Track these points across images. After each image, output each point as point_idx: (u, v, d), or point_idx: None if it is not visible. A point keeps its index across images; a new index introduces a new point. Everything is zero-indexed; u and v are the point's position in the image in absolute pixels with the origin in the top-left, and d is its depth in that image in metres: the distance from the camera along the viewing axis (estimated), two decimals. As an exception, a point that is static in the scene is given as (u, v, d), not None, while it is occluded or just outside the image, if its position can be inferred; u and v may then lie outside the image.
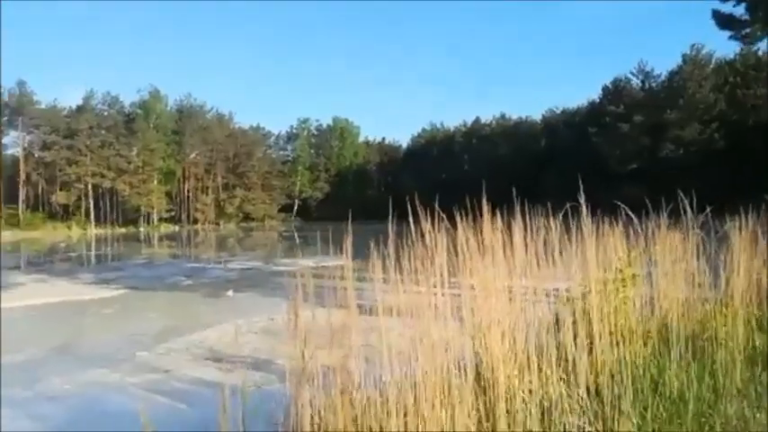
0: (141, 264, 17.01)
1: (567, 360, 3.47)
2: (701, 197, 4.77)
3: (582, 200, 3.97)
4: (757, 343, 4.44)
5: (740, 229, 5.60)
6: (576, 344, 3.47)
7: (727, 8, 9.19)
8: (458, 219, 2.96)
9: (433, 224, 2.81)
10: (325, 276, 2.59)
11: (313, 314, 2.57)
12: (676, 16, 60.98)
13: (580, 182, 3.53)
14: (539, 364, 3.16)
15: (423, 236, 2.80)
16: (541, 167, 43.15)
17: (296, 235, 26.98)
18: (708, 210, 5.62)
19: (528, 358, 3.11)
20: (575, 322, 3.74)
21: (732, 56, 34.87)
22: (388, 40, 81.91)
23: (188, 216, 54.05)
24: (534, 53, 74.12)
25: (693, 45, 35.77)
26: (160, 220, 52.69)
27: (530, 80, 75.40)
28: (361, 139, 61.44)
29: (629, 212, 4.90)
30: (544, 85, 74.63)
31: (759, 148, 30.84)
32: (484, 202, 3.14)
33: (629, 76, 38.92)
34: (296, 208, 59.13)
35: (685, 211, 5.32)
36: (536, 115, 49.67)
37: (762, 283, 5.54)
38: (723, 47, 50.87)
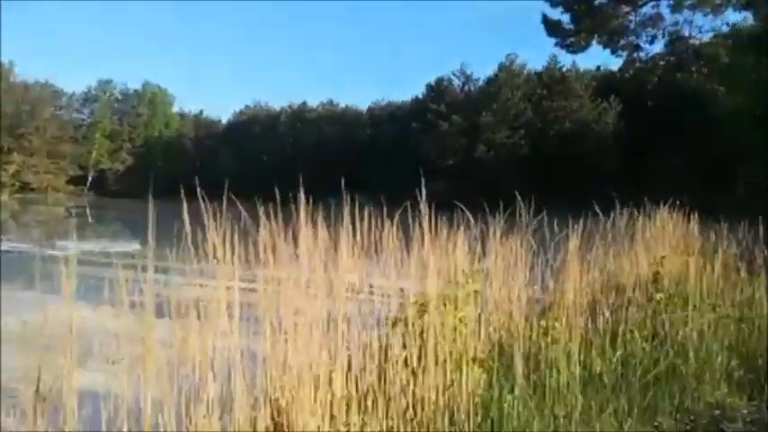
0: None
1: (391, 398, 2.80)
2: (508, 197, 4.80)
3: (422, 197, 3.48)
4: (596, 364, 4.14)
5: (568, 236, 5.38)
6: (403, 373, 2.79)
7: (555, 14, 9.47)
8: (272, 205, 2.70)
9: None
10: (111, 265, 2.20)
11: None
12: (509, 22, 65.48)
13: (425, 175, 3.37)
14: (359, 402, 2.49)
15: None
16: (366, 158, 43.76)
17: (87, 211, 23.83)
18: (543, 214, 5.31)
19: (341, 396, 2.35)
20: (405, 347, 3.05)
21: (540, 69, 38.17)
22: (217, 15, 77.30)
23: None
24: (363, 44, 75.01)
25: (508, 55, 38.61)
26: None
27: (358, 70, 76.24)
28: (176, 109, 56.98)
29: (468, 213, 4.41)
30: (372, 76, 76.00)
31: (556, 155, 34.48)
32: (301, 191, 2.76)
33: (452, 77, 40.88)
34: (90, 180, 52.87)
35: (520, 215, 4.92)
36: (362, 106, 50.27)
37: (595, 294, 5.38)
38: (535, 59, 56.02)
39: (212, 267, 2.21)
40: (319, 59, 75.46)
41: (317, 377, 2.24)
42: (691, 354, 4.82)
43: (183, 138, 54.45)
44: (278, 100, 68.49)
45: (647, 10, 9.08)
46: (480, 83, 40.14)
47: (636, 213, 6.94)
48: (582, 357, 4.20)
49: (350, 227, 2.84)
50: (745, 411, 4.50)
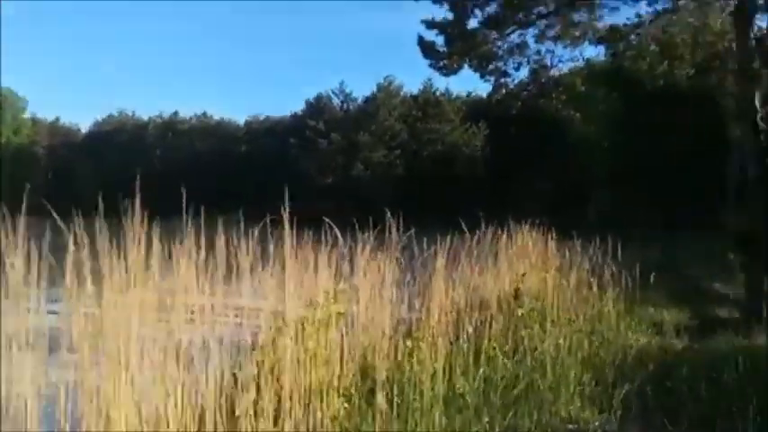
0: None
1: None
2: (383, 215, 4.84)
3: (285, 212, 3.37)
4: (459, 384, 4.13)
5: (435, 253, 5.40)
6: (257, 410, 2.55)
7: (430, 36, 9.74)
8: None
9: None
10: None
11: None
12: (388, 42, 66.36)
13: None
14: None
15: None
16: (242, 173, 42.52)
17: None
18: (411, 231, 5.29)
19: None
20: (259, 378, 2.81)
21: (416, 91, 39.46)
22: (79, 18, 71.77)
23: None
24: (239, 57, 73.10)
25: (386, 76, 39.50)
26: None
27: (235, 82, 74.09)
28: (28, 115, 51.92)
29: (337, 232, 4.28)
30: (249, 90, 74.02)
31: (430, 176, 35.73)
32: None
33: (331, 94, 41.05)
34: None
35: (390, 233, 4.87)
36: (239, 119, 48.88)
37: (460, 311, 5.41)
38: (412, 82, 57.66)
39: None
40: (192, 69, 72.52)
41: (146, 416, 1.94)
42: (548, 369, 4.98)
43: (35, 145, 49.71)
44: (147, 109, 64.95)
45: (514, 38, 9.64)
46: (359, 102, 40.64)
47: (499, 232, 7.19)
48: (446, 377, 4.18)
49: (194, 245, 2.58)
50: (597, 424, 4.71)
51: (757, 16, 9.14)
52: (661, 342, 6.98)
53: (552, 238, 8.10)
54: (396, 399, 3.64)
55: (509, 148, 36.01)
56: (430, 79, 38.58)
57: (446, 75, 10.21)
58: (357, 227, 4.82)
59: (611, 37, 10.02)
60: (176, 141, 44.46)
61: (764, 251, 8.22)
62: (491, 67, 9.93)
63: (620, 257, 8.47)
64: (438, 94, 38.77)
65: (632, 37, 10.35)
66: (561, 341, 5.23)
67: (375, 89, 39.59)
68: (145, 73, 74.13)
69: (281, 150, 41.64)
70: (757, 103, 8.70)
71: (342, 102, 40.89)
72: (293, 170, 40.15)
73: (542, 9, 9.14)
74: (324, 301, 3.22)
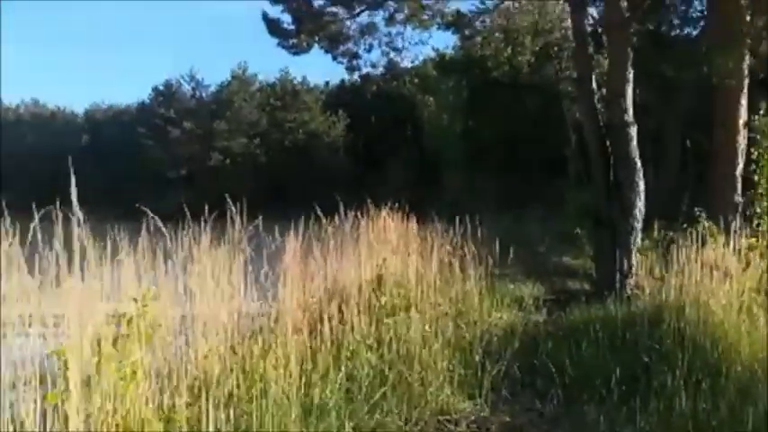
0: None
1: None
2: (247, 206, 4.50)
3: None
4: (317, 389, 3.56)
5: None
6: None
7: (276, 13, 9.01)
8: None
9: None
10: None
11: None
12: (239, 24, 62.67)
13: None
14: None
15: None
16: (83, 167, 38.39)
17: None
18: (258, 220, 4.69)
19: None
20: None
21: (273, 80, 38.25)
22: None
23: None
24: (77, 40, 66.04)
25: (240, 63, 37.81)
26: None
27: (72, 69, 66.88)
28: None
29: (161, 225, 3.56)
30: (89, 76, 67.19)
31: (292, 165, 34.82)
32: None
33: (181, 80, 38.49)
34: None
35: (233, 221, 4.19)
36: (78, 108, 44.24)
37: (320, 303, 4.86)
38: (268, 68, 55.53)
39: None
40: (23, 55, 64.32)
41: None
42: (415, 359, 4.58)
43: None
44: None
45: (364, 18, 9.23)
46: (212, 89, 38.47)
47: (360, 217, 6.72)
48: (303, 382, 3.60)
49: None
50: (468, 410, 4.40)
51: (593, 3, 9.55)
52: (523, 318, 6.97)
53: (411, 220, 7.83)
54: (244, 417, 3.00)
55: (369, 135, 36.10)
56: (287, 68, 37.54)
57: (296, 54, 9.56)
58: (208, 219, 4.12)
59: (459, 22, 9.97)
60: (6, 132, 39.26)
61: (608, 224, 8.58)
62: (342, 48, 9.44)
63: (478, 236, 8.44)
64: (296, 82, 37.82)
65: (478, 23, 10.41)
66: (427, 327, 4.86)
67: (229, 76, 37.67)
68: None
69: (128, 141, 38.37)
70: (594, 86, 9.04)
71: (193, 89, 38.44)
72: (143, 162, 37.29)
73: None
74: (132, 309, 2.48)
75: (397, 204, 8.21)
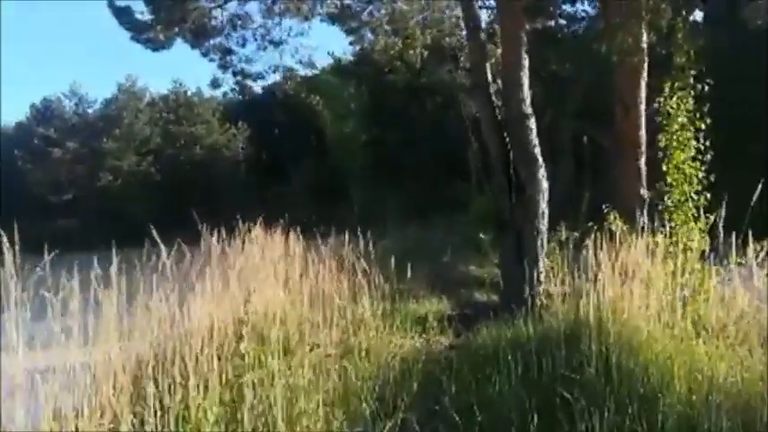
0: None
1: None
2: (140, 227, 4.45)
3: None
4: None
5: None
6: None
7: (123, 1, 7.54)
8: None
9: None
10: None
11: None
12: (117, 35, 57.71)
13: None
14: None
15: None
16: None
17: None
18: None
19: None
20: None
21: (165, 92, 35.91)
22: None
23: None
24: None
25: (128, 75, 35.18)
26: None
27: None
28: None
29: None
30: None
31: (189, 181, 32.62)
32: None
33: (62, 97, 35.24)
34: None
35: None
36: (-57, 130, 39.37)
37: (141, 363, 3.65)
38: (158, 81, 52.11)
39: None
40: None
41: None
42: (280, 425, 3.46)
43: None
44: None
45: (234, 8, 8.03)
46: (98, 105, 35.48)
47: (229, 238, 5.54)
48: None
49: None
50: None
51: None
52: (425, 344, 6.01)
53: (298, 237, 6.72)
54: None
55: (270, 147, 34.54)
56: (179, 80, 35.29)
57: (155, 49, 8.15)
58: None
59: (342, 14, 9.00)
60: None
61: (512, 228, 7.85)
62: (210, 42, 8.16)
63: (378, 251, 7.53)
64: (189, 94, 35.62)
65: (365, 15, 9.51)
66: (300, 379, 3.75)
67: (116, 90, 34.88)
68: None
69: (5, 165, 34.62)
70: (489, 76, 8.34)
71: (76, 105, 35.24)
72: (23, 187, 33.80)
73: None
74: None
75: (296, 220, 7.23)
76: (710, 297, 5.15)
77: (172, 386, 3.34)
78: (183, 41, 8.04)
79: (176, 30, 7.67)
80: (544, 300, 6.73)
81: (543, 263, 7.51)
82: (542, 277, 7.41)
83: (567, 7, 15.13)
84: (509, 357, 4.57)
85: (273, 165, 34.37)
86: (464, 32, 10.88)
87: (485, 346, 5.32)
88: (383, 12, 9.93)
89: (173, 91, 35.88)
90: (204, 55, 8.60)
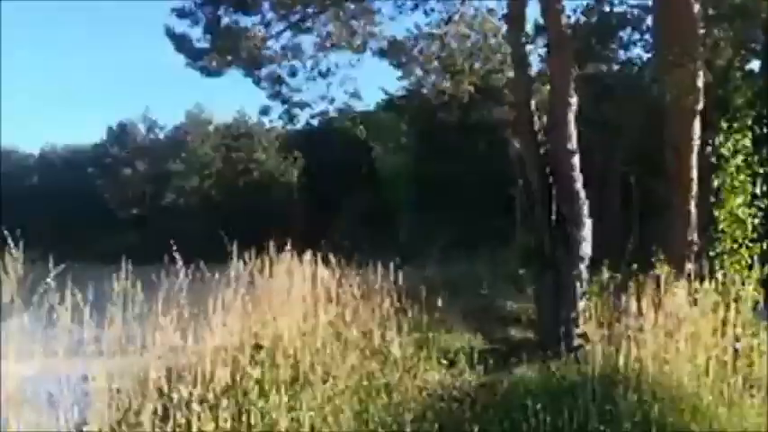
0: None
1: None
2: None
3: None
4: None
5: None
6: None
7: (183, 27, 7.68)
8: None
9: None
10: None
11: None
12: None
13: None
14: None
15: None
16: (34, 209, 36.16)
17: None
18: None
19: None
20: None
21: (229, 121, 37.07)
22: None
23: None
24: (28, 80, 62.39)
25: (197, 104, 36.54)
26: None
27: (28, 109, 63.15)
28: None
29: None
30: (43, 116, 63.53)
31: (245, 205, 33.27)
32: None
33: (134, 122, 36.87)
34: None
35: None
36: (32, 149, 41.90)
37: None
38: (223, 110, 53.79)
39: None
40: None
41: None
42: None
43: None
44: None
45: (285, 41, 8.06)
46: (167, 130, 36.91)
47: (259, 260, 5.36)
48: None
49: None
50: None
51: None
52: (453, 381, 5.59)
53: (336, 266, 6.49)
54: None
55: (323, 177, 34.90)
56: (243, 108, 36.37)
57: (209, 75, 8.23)
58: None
59: (394, 49, 8.89)
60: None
61: (552, 266, 7.37)
62: (264, 71, 8.18)
63: (415, 281, 7.26)
64: (251, 123, 36.60)
65: (414, 51, 9.37)
66: (311, 412, 3.45)
67: (184, 117, 36.24)
68: None
69: (82, 182, 36.31)
70: (534, 112, 7.99)
71: (147, 129, 36.75)
72: (95, 203, 35.24)
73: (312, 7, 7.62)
74: None
75: (338, 247, 7.09)
76: (765, 353, 4.57)
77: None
78: (237, 69, 8.10)
79: (230, 58, 7.74)
80: (580, 343, 6.20)
81: (581, 304, 6.99)
82: (580, 319, 6.88)
83: (621, 53, 14.68)
84: (538, 404, 4.14)
85: (325, 194, 34.70)
86: (512, 71, 10.65)
87: (514, 389, 4.86)
88: (433, 48, 9.78)
89: (236, 119, 36.94)
90: (256, 83, 8.67)
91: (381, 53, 9.07)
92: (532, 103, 7.85)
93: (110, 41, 60.29)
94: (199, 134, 36.22)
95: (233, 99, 39.40)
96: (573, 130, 7.66)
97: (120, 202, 34.54)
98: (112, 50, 58.87)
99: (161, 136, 37.42)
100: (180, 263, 4.15)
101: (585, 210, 7.41)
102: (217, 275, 4.79)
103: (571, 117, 7.65)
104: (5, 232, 3.16)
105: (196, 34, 7.69)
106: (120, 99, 60.83)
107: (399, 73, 11.43)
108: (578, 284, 7.11)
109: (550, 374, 5.00)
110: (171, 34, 7.84)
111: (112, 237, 31.56)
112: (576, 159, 7.49)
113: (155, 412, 2.88)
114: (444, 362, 6.08)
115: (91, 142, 40.15)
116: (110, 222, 34.13)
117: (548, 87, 9.05)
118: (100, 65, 59.14)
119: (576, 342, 6.43)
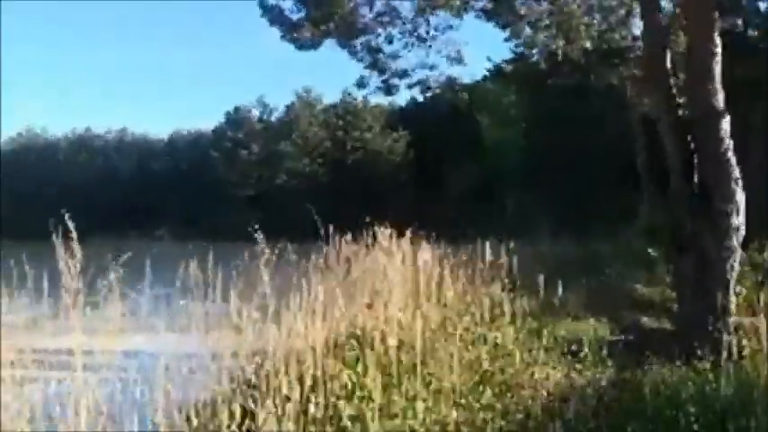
0: None
1: None
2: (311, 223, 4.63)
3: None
4: None
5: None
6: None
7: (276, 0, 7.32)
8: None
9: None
10: None
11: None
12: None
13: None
14: None
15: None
16: (165, 189, 39.09)
17: None
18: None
19: None
20: None
21: (335, 101, 37.45)
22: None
23: None
24: (160, 69, 66.93)
25: (305, 86, 37.21)
26: None
27: (157, 98, 67.84)
28: None
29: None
30: (173, 104, 68.07)
31: (353, 184, 33.55)
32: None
33: (249, 106, 38.38)
34: None
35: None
36: (162, 134, 45.05)
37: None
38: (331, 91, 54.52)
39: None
40: (111, 84, 65.04)
41: None
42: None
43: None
44: (58, 126, 58.93)
45: (381, 7, 7.45)
46: (279, 113, 38.05)
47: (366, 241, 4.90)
48: None
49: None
50: None
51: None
52: (578, 379, 4.80)
53: (439, 245, 5.91)
54: None
55: (429, 152, 34.28)
56: (348, 90, 36.50)
57: (302, 48, 7.83)
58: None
59: (499, 8, 7.96)
60: (91, 159, 40.43)
61: (693, 247, 6.24)
62: (360, 40, 7.63)
63: (526, 262, 6.53)
64: (357, 102, 36.72)
65: (522, 9, 8.37)
66: (403, 422, 2.90)
67: (294, 99, 37.07)
68: (58, 89, 67.27)
69: (203, 164, 38.61)
70: (669, 67, 6.77)
71: (261, 112, 38.09)
72: (216, 183, 37.34)
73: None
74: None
75: (445, 223, 6.53)
76: None
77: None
78: (331, 40, 7.65)
79: (323, 28, 7.30)
80: (735, 337, 5.11)
81: (734, 290, 5.84)
82: (731, 308, 5.76)
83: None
84: (690, 415, 3.32)
85: (431, 169, 34.16)
86: (634, 25, 9.28)
87: (655, 393, 3.99)
88: (544, 4, 8.71)
89: (343, 100, 37.20)
90: (352, 54, 8.17)
91: (485, 14, 8.19)
92: (667, 54, 6.64)
93: (226, 34, 63.64)
94: (307, 116, 36.94)
95: (342, 81, 39.76)
96: (719, 86, 6.40)
97: (237, 183, 36.21)
98: (231, 42, 62.12)
99: (273, 119, 38.57)
100: (287, 243, 3.89)
101: (738, 180, 6.18)
102: (313, 257, 4.40)
103: (717, 70, 6.39)
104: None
105: (289, 6, 7.35)
106: (238, 86, 64.15)
107: (505, 35, 10.35)
108: (728, 267, 5.95)
109: (702, 377, 4.07)
110: (264, 6, 7.57)
111: (231, 216, 33.25)
112: (726, 122, 6.26)
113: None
114: (566, 356, 5.30)
115: (210, 126, 42.49)
116: (227, 201, 35.99)
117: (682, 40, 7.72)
118: (218, 56, 62.50)
119: (727, 337, 5.33)
